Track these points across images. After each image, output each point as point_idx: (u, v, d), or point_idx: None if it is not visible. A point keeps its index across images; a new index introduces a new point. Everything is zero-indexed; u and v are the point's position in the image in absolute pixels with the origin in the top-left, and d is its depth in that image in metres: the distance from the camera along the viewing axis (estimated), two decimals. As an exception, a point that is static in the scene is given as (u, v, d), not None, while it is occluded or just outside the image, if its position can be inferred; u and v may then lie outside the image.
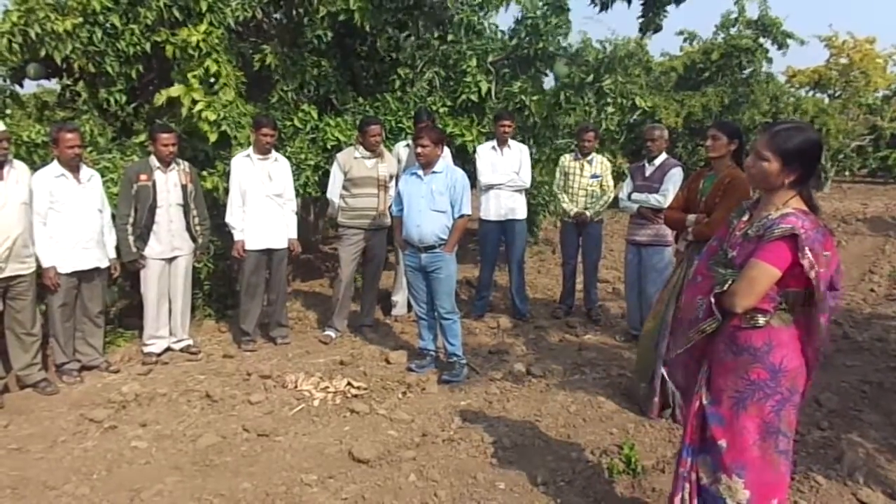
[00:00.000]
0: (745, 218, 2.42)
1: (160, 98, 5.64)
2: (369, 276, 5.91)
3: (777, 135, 2.31)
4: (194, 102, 5.48)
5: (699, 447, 2.52)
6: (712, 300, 2.36)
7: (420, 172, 4.76)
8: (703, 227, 3.96)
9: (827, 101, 20.98)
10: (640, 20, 7.00)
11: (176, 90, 5.54)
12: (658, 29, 7.01)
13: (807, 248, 2.16)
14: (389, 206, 5.38)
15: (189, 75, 5.52)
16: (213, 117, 5.47)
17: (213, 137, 5.54)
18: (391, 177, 5.69)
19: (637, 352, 4.66)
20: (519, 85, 7.01)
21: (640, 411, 4.25)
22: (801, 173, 2.28)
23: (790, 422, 2.35)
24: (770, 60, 13.61)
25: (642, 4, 6.79)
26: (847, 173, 23.23)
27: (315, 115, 6.47)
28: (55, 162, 4.60)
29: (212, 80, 5.60)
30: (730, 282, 2.32)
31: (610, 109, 7.06)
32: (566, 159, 6.35)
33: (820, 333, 2.28)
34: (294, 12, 6.57)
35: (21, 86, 6.13)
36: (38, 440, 3.86)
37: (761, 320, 2.32)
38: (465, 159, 6.62)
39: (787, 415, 2.34)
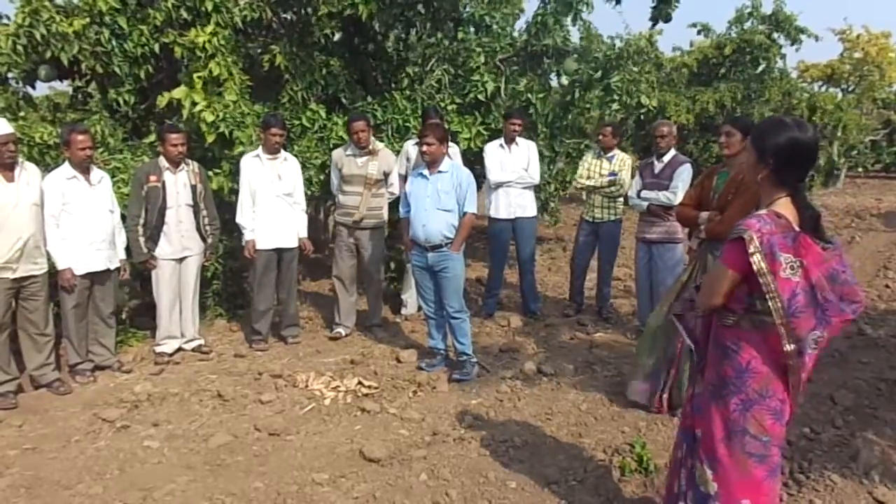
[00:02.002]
0: None
1: (162, 101, 5.66)
2: (366, 276, 5.88)
3: (758, 126, 2.29)
4: (194, 104, 5.50)
5: (693, 434, 2.54)
6: (694, 292, 2.45)
7: (426, 172, 4.76)
8: (715, 224, 3.93)
9: (840, 95, 20.78)
10: (653, 9, 6.98)
11: (178, 92, 5.56)
12: (668, 18, 6.97)
13: (757, 254, 2.12)
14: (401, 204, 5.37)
15: (195, 76, 5.54)
16: (210, 118, 5.48)
17: (210, 138, 5.56)
18: (386, 174, 5.67)
19: (637, 345, 4.66)
20: (525, 83, 6.98)
21: (631, 402, 4.26)
22: (773, 171, 2.20)
23: (764, 426, 2.28)
24: (783, 56, 13.50)
25: None
26: (861, 168, 23.03)
27: (323, 114, 6.47)
28: (66, 164, 4.63)
29: (216, 81, 5.62)
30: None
31: (615, 107, 7.03)
32: (587, 157, 6.33)
33: (785, 341, 2.16)
34: (303, 11, 6.57)
35: (33, 87, 6.17)
36: (52, 440, 3.89)
37: (729, 320, 2.33)
38: (465, 158, 6.60)
39: (757, 417, 2.28)
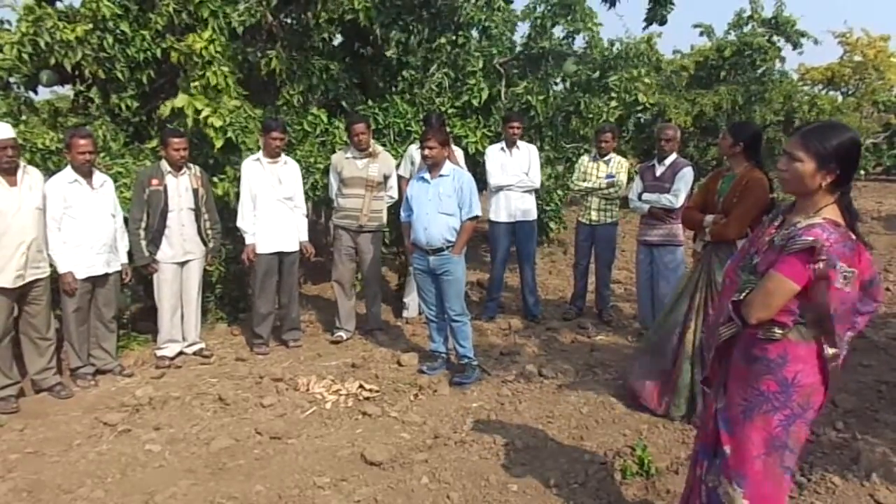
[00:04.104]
0: (777, 223, 2.32)
1: (165, 109, 5.68)
2: (365, 280, 5.88)
3: (810, 134, 2.19)
4: (198, 112, 5.51)
5: (714, 450, 2.49)
6: (730, 306, 2.31)
7: (427, 176, 4.78)
8: (720, 227, 3.94)
9: (840, 98, 20.77)
10: (648, 10, 7.03)
11: (180, 101, 5.58)
12: (663, 21, 7.01)
13: (821, 262, 2.06)
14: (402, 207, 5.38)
15: (192, 84, 5.55)
16: (219, 123, 5.48)
17: (219, 143, 5.56)
18: (386, 177, 5.69)
19: (642, 343, 4.67)
20: (525, 85, 7.01)
21: (632, 404, 4.26)
22: (838, 175, 2.15)
23: (799, 438, 2.28)
24: (783, 59, 13.50)
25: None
26: (862, 171, 22.99)
27: (324, 118, 6.48)
28: (68, 168, 4.64)
29: (212, 88, 5.63)
30: (747, 290, 2.24)
31: (613, 104, 7.07)
32: (583, 160, 6.34)
33: (828, 346, 2.17)
34: (302, 16, 6.59)
35: (35, 92, 6.19)
36: (54, 444, 3.89)
37: (778, 333, 2.23)
38: (472, 161, 6.61)
39: (797, 431, 2.26)
